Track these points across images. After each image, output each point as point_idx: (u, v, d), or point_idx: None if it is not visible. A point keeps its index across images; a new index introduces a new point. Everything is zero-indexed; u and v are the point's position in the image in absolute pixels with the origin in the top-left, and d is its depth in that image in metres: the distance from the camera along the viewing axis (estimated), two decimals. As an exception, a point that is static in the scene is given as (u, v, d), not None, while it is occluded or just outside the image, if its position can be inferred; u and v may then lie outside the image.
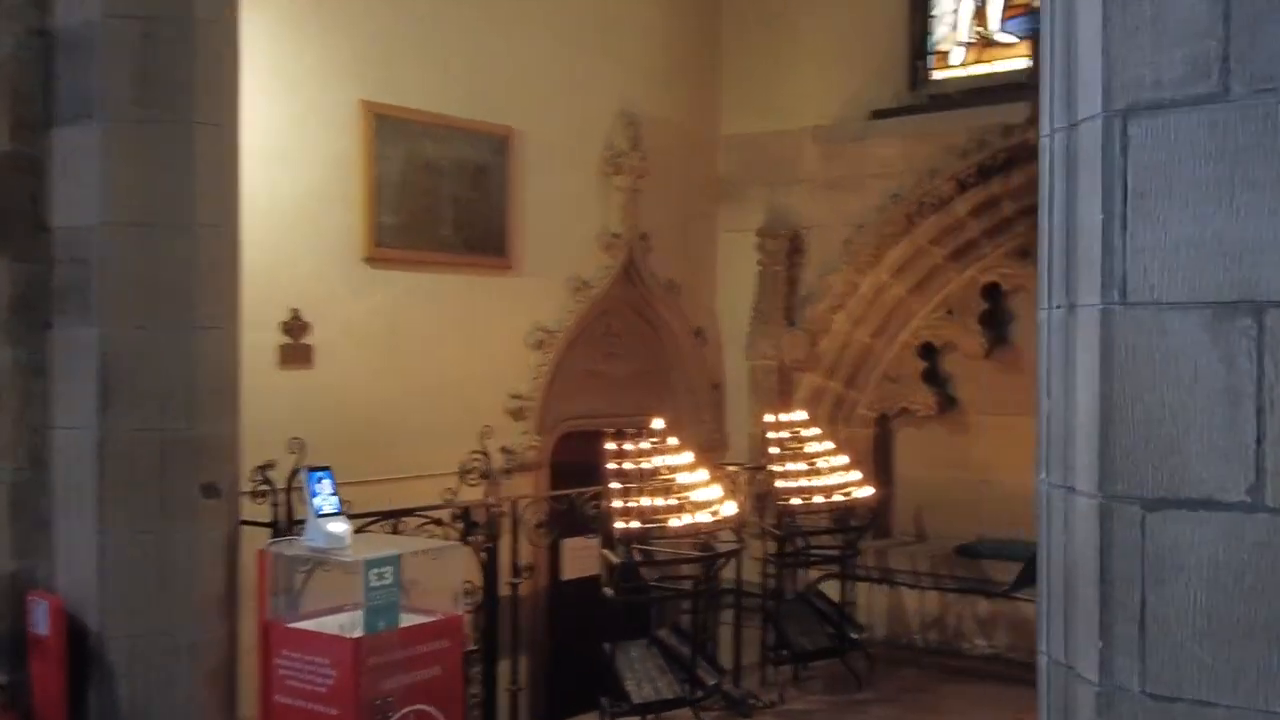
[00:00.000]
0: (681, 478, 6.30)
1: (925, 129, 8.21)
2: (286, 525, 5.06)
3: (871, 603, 8.16)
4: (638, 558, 6.05)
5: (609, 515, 6.05)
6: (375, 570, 4.43)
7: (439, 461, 7.04)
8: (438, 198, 7.30)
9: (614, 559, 6.04)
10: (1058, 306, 2.83)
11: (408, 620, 4.58)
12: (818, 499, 7.06)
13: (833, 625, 7.28)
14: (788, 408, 8.56)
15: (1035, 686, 2.67)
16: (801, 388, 8.71)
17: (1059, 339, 2.84)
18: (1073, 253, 2.75)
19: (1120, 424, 2.61)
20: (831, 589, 7.62)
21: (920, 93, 8.65)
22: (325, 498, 4.63)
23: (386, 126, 6.98)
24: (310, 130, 6.70)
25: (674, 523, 6.07)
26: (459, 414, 7.33)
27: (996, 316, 8.27)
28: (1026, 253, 8.00)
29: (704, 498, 6.26)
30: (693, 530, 6.14)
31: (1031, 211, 7.92)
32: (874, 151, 8.44)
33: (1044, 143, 2.92)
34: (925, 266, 8.30)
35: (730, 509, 6.35)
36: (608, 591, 6.08)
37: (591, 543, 6.46)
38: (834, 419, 8.69)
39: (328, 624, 4.69)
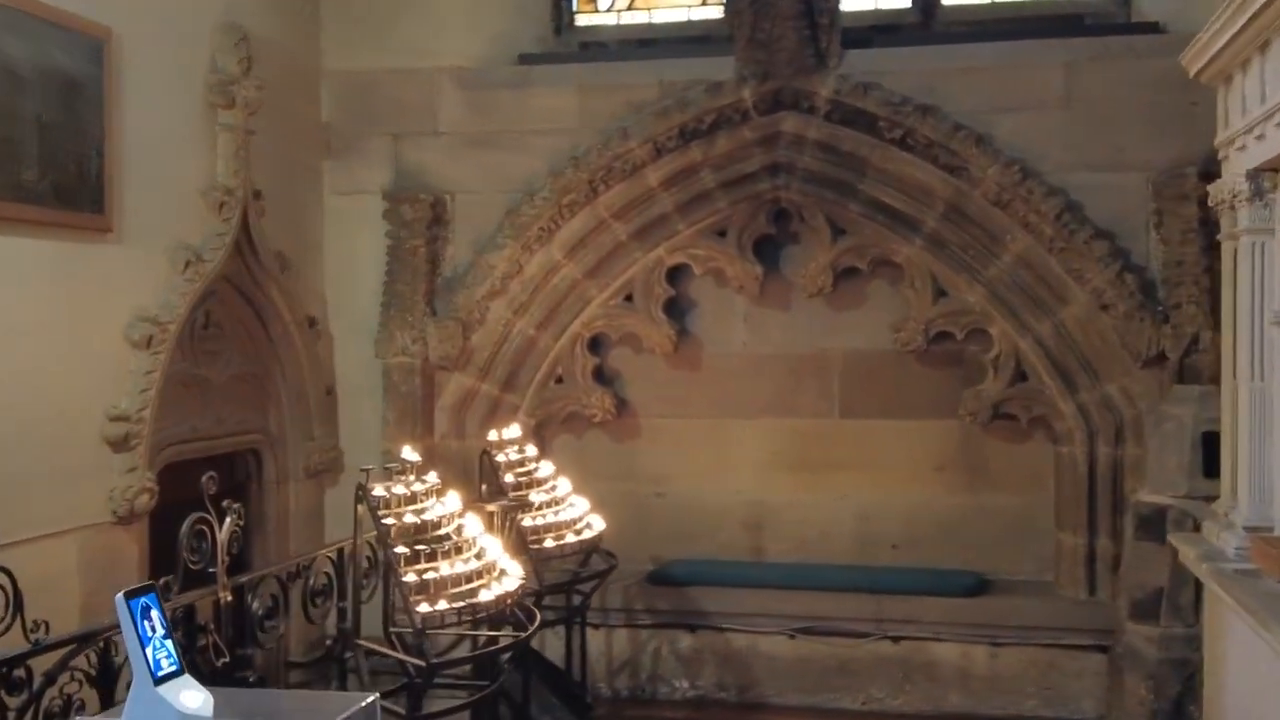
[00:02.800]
0: (457, 529, 4.54)
1: (607, 79, 6.88)
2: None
3: (544, 649, 6.69)
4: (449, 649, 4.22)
5: (395, 594, 4.16)
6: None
7: (24, 522, 4.73)
8: (20, 121, 4.79)
9: (410, 657, 4.14)
10: None
11: None
12: (569, 538, 5.53)
13: (569, 694, 5.78)
14: (430, 416, 6.89)
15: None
16: (447, 391, 7.02)
17: None
18: None
19: None
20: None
21: (568, 39, 7.28)
22: (158, 643, 2.47)
23: (-54, 1, 4.42)
24: None
25: (484, 595, 4.31)
26: (49, 446, 4.95)
27: (675, 305, 7.14)
28: (724, 232, 6.95)
29: (494, 555, 4.55)
30: (504, 602, 4.41)
31: (736, 184, 6.94)
32: (538, 102, 6.95)
33: None
34: (606, 244, 6.97)
35: (515, 566, 4.68)
36: (391, 707, 4.17)
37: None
38: (489, 428, 7.07)
39: None
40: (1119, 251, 6.27)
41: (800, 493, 7.12)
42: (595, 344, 7.20)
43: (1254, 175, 4.62)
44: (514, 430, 5.88)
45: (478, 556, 4.44)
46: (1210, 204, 5.14)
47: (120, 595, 2.41)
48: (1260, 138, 4.44)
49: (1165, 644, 5.53)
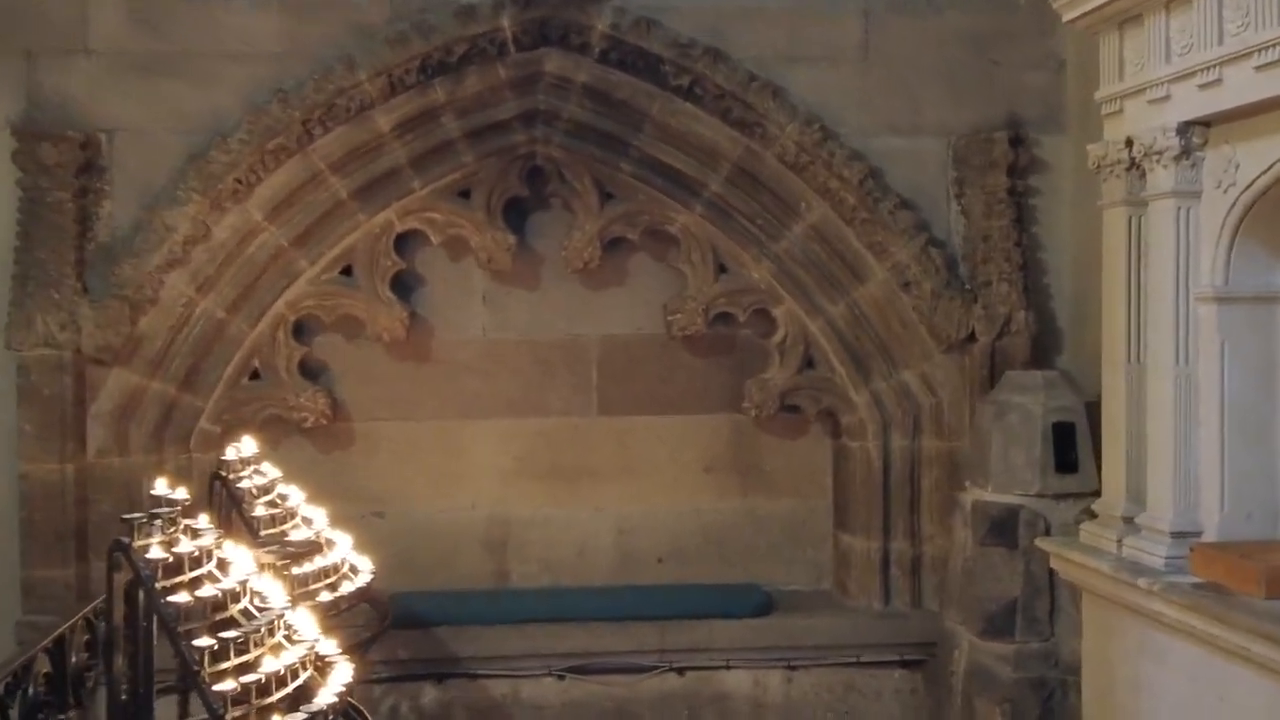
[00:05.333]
0: (254, 597, 3.13)
1: (323, -5, 5.45)
2: None
3: None
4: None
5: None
6: None
7: None
8: None
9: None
10: None
11: None
12: (345, 586, 4.14)
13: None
14: (83, 425, 5.25)
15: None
16: (105, 393, 5.34)
17: None
18: None
19: None
20: None
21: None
22: None
23: None
24: None
25: (324, 697, 2.94)
26: None
27: (399, 282, 5.82)
28: (468, 192, 5.72)
29: (308, 632, 3.17)
30: (346, 702, 3.05)
31: (485, 135, 5.69)
32: (229, 19, 5.40)
33: None
34: (322, 204, 5.53)
35: (331, 645, 3.31)
36: None
37: None
38: (161, 440, 5.49)
39: None
40: (923, 224, 5.64)
41: (551, 505, 6.03)
42: (300, 329, 5.75)
43: (1184, 129, 4.05)
44: (250, 446, 4.38)
45: (290, 639, 3.04)
46: (1092, 166, 4.56)
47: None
48: (1212, 84, 3.86)
49: (1021, 662, 4.95)
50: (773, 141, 5.55)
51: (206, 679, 2.74)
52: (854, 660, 5.73)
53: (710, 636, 5.65)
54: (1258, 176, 3.82)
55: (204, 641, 2.77)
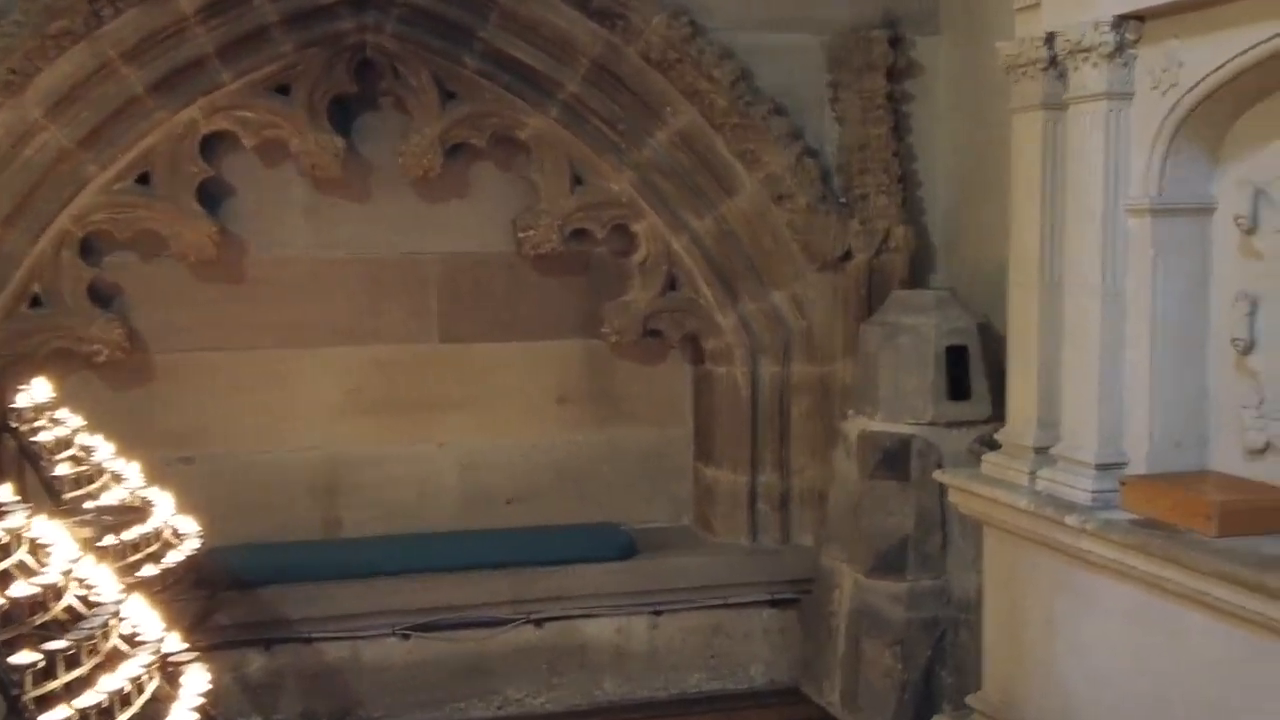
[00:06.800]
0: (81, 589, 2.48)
1: None
2: None
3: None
4: None
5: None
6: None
7: None
8: None
9: None
10: None
11: None
12: (170, 557, 3.45)
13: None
14: None
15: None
16: None
17: None
18: None
19: None
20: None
21: None
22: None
23: None
24: None
25: (178, 715, 2.32)
26: None
27: (204, 191, 5.04)
28: (286, 88, 4.97)
29: (151, 631, 2.53)
30: (207, 715, 2.42)
31: (306, 21, 4.92)
32: (-10, -128, 4.49)
33: None
34: (113, 99, 4.69)
35: (176, 640, 2.66)
36: None
37: None
38: (-78, 380, 4.61)
39: None
40: (797, 131, 5.20)
41: (387, 443, 5.41)
42: (89, 247, 4.92)
43: (1119, 24, 3.69)
44: (44, 389, 3.62)
45: (130, 640, 2.39)
46: (1003, 65, 4.17)
47: None
48: (1162, -28, 3.49)
49: (914, 601, 4.63)
50: (636, 35, 4.99)
51: (30, 706, 2.09)
52: (722, 602, 5.34)
53: (569, 584, 5.15)
54: (1207, 75, 3.49)
55: (25, 657, 2.11)
